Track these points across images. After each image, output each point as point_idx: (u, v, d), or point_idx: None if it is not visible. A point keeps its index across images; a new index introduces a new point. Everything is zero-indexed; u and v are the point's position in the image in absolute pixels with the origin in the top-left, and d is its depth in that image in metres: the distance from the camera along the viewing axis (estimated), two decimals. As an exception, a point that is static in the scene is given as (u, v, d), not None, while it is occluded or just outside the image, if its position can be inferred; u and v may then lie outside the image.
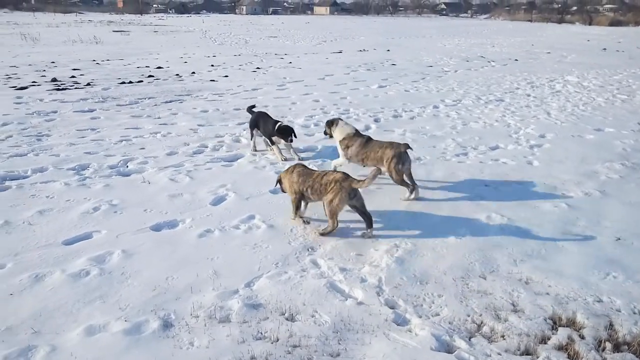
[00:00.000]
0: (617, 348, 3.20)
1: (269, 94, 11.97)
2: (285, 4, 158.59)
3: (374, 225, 4.69)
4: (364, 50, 24.04)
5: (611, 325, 3.42)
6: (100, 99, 10.81)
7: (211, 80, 13.86)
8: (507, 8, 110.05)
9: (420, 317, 3.51)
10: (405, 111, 10.18)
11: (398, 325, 3.42)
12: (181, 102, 10.72)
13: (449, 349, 3.21)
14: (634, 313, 3.55)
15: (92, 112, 9.63)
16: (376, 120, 9.33)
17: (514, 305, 3.67)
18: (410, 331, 3.37)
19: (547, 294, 3.80)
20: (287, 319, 3.44)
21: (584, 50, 25.08)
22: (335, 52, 23.06)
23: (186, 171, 6.31)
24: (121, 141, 7.60)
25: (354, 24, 55.77)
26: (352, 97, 11.66)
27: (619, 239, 4.68)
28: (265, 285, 3.83)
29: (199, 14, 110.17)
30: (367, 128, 8.75)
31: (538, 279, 3.99)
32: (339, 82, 13.91)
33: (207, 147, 7.42)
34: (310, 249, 4.41)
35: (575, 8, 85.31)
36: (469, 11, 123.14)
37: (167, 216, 4.99)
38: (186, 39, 30.17)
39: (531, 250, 4.44)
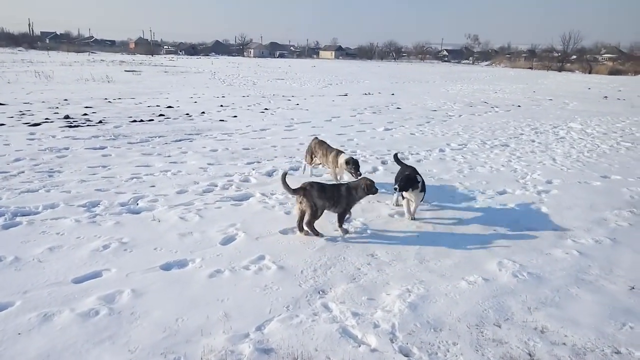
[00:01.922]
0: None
1: (277, 134, 12.13)
2: (291, 47, 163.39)
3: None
4: (369, 93, 24.52)
5: None
6: (112, 137, 10.97)
7: (220, 120, 14.09)
8: (508, 56, 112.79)
9: (435, 366, 3.43)
10: (412, 154, 10.28)
11: (413, 374, 3.34)
12: (191, 141, 10.86)
13: (465, 400, 3.12)
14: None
15: (103, 149, 9.75)
16: (383, 163, 9.40)
17: (530, 355, 3.59)
18: (425, 381, 3.29)
19: (564, 344, 3.72)
20: (299, 365, 3.36)
21: (585, 98, 25.50)
22: (341, 94, 23.51)
23: (196, 210, 6.33)
24: (132, 179, 7.66)
25: (358, 68, 57.13)
26: (358, 139, 11.81)
27: (633, 287, 4.62)
28: (276, 329, 3.77)
29: (208, 55, 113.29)
30: (375, 170, 8.83)
31: (554, 328, 3.91)
32: (345, 124, 14.13)
33: (216, 186, 7.46)
34: (321, 292, 4.36)
35: (574, 57, 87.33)
36: (471, 58, 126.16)
37: (177, 255, 4.97)
38: (196, 80, 30.88)
39: (545, 298, 4.38)
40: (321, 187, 5.58)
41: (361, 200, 5.90)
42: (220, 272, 4.64)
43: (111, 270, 4.61)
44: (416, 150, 10.69)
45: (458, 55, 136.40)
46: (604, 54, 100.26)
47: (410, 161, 9.60)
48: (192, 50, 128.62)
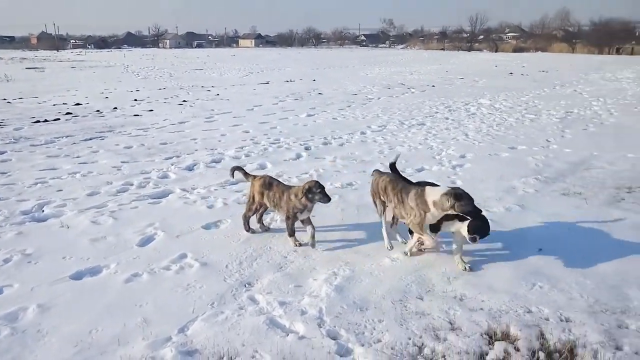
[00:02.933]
0: (549, 356, 3.33)
1: (197, 126, 11.72)
2: (209, 37, 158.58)
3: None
4: (291, 80, 24.41)
5: (542, 334, 3.56)
6: (12, 140, 10.03)
7: (135, 115, 13.37)
8: (422, 38, 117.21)
9: (363, 345, 3.46)
10: (335, 138, 10.37)
11: (341, 356, 3.35)
12: (102, 139, 10.20)
13: (393, 375, 3.19)
14: (561, 320, 3.73)
15: (2, 154, 8.89)
16: (307, 149, 9.40)
17: (451, 323, 3.73)
18: (354, 361, 3.32)
19: (481, 309, 3.91)
20: (225, 363, 3.26)
21: (493, 75, 27.10)
22: (263, 83, 23.22)
23: (109, 212, 5.94)
24: (36, 184, 7.04)
25: (279, 56, 56.70)
26: (281, 126, 11.72)
27: (541, 249, 4.95)
28: (200, 328, 3.63)
29: (119, 48, 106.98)
30: (299, 156, 8.80)
31: (471, 295, 4.10)
32: (268, 112, 13.96)
33: (132, 184, 7.06)
34: (247, 285, 4.26)
35: (482, 37, 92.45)
36: (387, 42, 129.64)
37: (89, 262, 4.63)
38: (107, 74, 29.08)
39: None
40: (268, 183, 5.18)
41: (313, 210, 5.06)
42: (137, 275, 4.39)
43: (13, 285, 4.20)
44: (338, 134, 10.79)
45: (375, 39, 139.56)
46: (507, 33, 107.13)
47: (333, 146, 9.68)
48: (103, 43, 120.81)
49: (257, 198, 5.18)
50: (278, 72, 31.18)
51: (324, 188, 4.80)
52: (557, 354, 3.36)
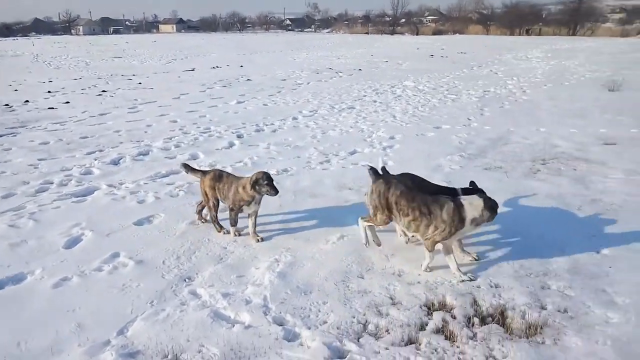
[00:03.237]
0: (483, 321, 3.57)
1: (119, 117, 11.13)
2: (127, 22, 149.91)
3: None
4: (217, 67, 23.78)
5: (475, 301, 3.80)
6: None
7: (50, 108, 12.43)
8: (346, 22, 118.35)
9: (309, 328, 3.51)
10: (267, 125, 10.29)
11: (289, 341, 3.38)
12: (14, 136, 9.40)
13: (340, 354, 3.26)
14: (491, 287, 3.99)
15: None
16: (239, 137, 9.25)
17: (392, 298, 3.88)
18: (301, 345, 3.35)
19: (419, 282, 4.09)
20: (171, 360, 3.18)
21: (415, 58, 28.01)
22: (188, 70, 22.42)
23: (29, 214, 5.52)
24: (-62, 189, 6.38)
25: (203, 41, 54.88)
26: (211, 114, 11.42)
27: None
28: (141, 328, 3.50)
29: (27, 36, 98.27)
30: (232, 145, 8.65)
31: (409, 270, 4.28)
32: (195, 100, 13.54)
33: (52, 183, 6.60)
34: (187, 279, 4.16)
35: (403, 20, 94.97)
36: (313, 26, 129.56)
37: (10, 270, 4.29)
38: (13, 65, 26.70)
39: (399, 244, 4.76)
40: (218, 176, 5.00)
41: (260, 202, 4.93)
42: (67, 279, 4.13)
43: None
44: (270, 120, 10.71)
45: (301, 23, 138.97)
46: (427, 16, 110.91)
47: (266, 132, 9.60)
48: (7, 31, 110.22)
49: (210, 194, 5.01)
50: (203, 58, 30.23)
51: (272, 180, 4.73)
52: (490, 318, 3.60)
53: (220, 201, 5.02)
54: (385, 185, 4.27)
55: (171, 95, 14.46)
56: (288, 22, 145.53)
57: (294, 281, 4.12)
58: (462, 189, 4.57)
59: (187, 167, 5.31)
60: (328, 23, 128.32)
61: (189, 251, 4.66)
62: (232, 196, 4.80)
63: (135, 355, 3.22)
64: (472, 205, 3.96)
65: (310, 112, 11.73)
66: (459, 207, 3.96)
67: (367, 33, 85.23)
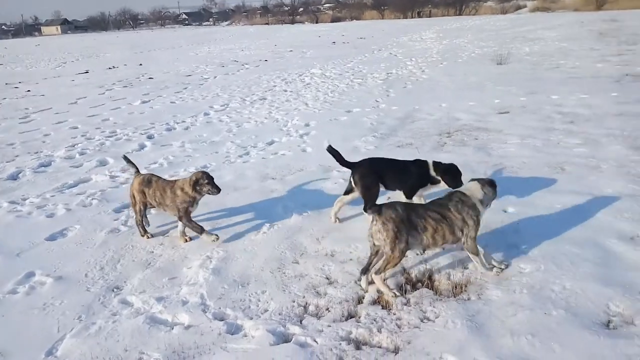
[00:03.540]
0: (414, 287, 3.80)
1: (11, 129, 10.12)
2: (3, 27, 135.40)
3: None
4: (114, 67, 22.39)
5: (405, 270, 4.03)
6: None
7: None
8: (245, 13, 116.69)
9: (252, 318, 3.53)
10: (178, 123, 9.94)
11: (233, 334, 3.37)
12: None
13: (285, 338, 3.32)
14: (417, 254, 4.25)
15: None
16: (150, 137, 8.86)
17: (328, 278, 4.00)
18: (246, 336, 3.36)
19: (351, 260, 4.25)
20: (111, 373, 3.04)
21: (318, 46, 28.39)
22: (81, 72, 20.88)
23: None
24: None
25: (94, 41, 51.28)
26: (115, 117, 10.79)
27: (389, 197, 5.51)
28: (72, 345, 3.29)
29: None
30: (143, 147, 8.26)
31: (340, 249, 4.42)
32: (95, 103, 12.69)
33: (-61, 208, 5.89)
34: (115, 289, 3.96)
35: (302, 9, 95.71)
36: (211, 19, 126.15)
37: None
38: None
39: (328, 226, 4.89)
40: (147, 180, 4.73)
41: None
42: (-23, 307, 3.76)
43: None
44: (181, 118, 10.36)
45: (198, 17, 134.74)
46: (324, 4, 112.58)
47: (178, 131, 9.28)
48: None
49: (138, 197, 4.75)
50: (97, 59, 28.28)
51: (212, 178, 4.59)
52: (420, 283, 3.86)
53: (148, 207, 4.81)
54: (392, 209, 3.71)
55: (67, 100, 13.42)
56: (184, 16, 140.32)
57: (230, 275, 4.09)
58: (434, 162, 4.80)
59: (127, 160, 5.06)
60: (226, 15, 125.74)
61: (112, 260, 4.43)
62: (171, 202, 4.56)
63: (70, 375, 3.04)
64: (471, 189, 3.93)
65: (222, 106, 11.52)
66: (464, 198, 3.86)
67: (267, 23, 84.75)
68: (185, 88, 14.72)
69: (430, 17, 65.12)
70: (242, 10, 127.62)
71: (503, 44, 20.93)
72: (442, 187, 4.78)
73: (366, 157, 5.08)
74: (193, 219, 4.68)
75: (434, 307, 3.51)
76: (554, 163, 6.06)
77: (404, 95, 11.70)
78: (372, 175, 4.73)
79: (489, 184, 4.02)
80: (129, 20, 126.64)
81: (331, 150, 4.99)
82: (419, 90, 12.25)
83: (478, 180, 4.05)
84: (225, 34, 50.89)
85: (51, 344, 3.31)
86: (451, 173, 4.71)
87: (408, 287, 3.78)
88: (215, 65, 20.85)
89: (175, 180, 4.68)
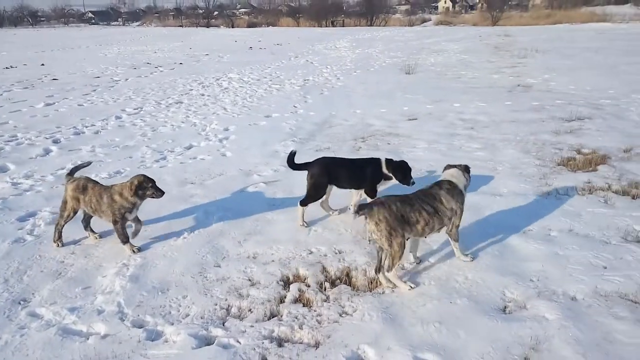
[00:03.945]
0: (333, 284, 3.99)
1: None
2: None
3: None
4: (11, 67, 20.53)
5: (324, 268, 4.21)
6: None
7: None
8: (157, 15, 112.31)
9: (173, 324, 3.50)
10: (87, 126, 9.42)
11: (153, 341, 3.33)
12: None
13: (208, 340, 3.35)
14: (336, 253, 4.46)
15: None
16: (56, 142, 8.30)
17: (250, 280, 4.07)
18: (167, 341, 3.34)
19: (273, 261, 4.36)
20: (21, 389, 2.88)
21: (235, 50, 28.16)
22: (-30, 72, 18.93)
23: None
24: None
25: (-17, 38, 46.63)
26: (15, 120, 9.98)
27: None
28: (-26, 364, 3.07)
29: None
30: (48, 152, 7.74)
31: (262, 251, 4.51)
32: (-12, 106, 11.61)
33: None
34: (22, 302, 3.73)
35: (217, 13, 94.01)
36: (120, 19, 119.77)
37: None
38: None
39: (250, 229, 4.95)
40: (83, 186, 4.48)
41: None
42: None
43: None
44: (90, 122, 9.82)
45: (106, 17, 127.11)
46: (240, 8, 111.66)
47: (87, 135, 8.80)
48: None
49: (70, 204, 4.48)
50: (-12, 57, 25.77)
51: (154, 182, 4.44)
52: (339, 280, 4.05)
53: (76, 213, 4.61)
54: (386, 208, 3.74)
55: (-46, 102, 12.15)
56: (91, 15, 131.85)
57: (149, 282, 4.02)
58: (387, 159, 5.07)
59: (74, 170, 4.84)
60: (137, 16, 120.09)
61: (18, 272, 4.16)
62: (108, 208, 4.35)
63: (-26, 395, 2.84)
64: (454, 177, 4.10)
65: (135, 109, 11.07)
66: (453, 185, 4.03)
67: (181, 26, 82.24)
68: (94, 90, 13.93)
69: (343, 26, 66.95)
70: (154, 11, 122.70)
71: (411, 55, 22.17)
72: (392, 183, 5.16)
73: (321, 157, 5.32)
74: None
75: (352, 302, 3.72)
76: (457, 166, 6.61)
77: (321, 101, 12.02)
78: (323, 175, 4.93)
79: (467, 170, 4.23)
80: (28, 17, 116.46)
81: (290, 157, 5.14)
82: (334, 97, 12.64)
83: (457, 167, 4.22)
84: (136, 35, 48.68)
85: (-52, 364, 3.06)
86: (402, 169, 5.04)
87: (327, 284, 3.96)
88: (127, 67, 19.93)
89: (113, 185, 4.51)
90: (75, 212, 4.59)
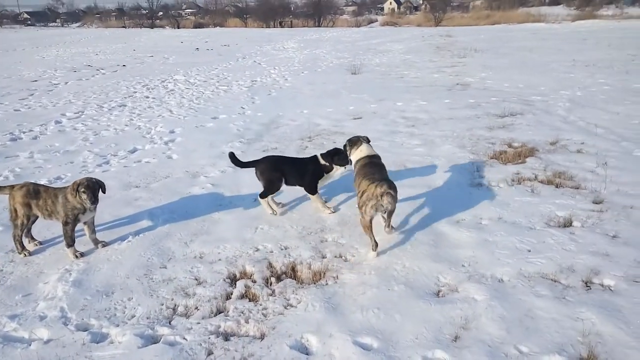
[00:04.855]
0: (279, 279, 4.13)
1: None
2: None
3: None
4: None
5: (270, 264, 4.34)
6: None
7: None
8: (98, 15, 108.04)
9: (118, 325, 3.53)
10: (24, 132, 9.06)
11: (98, 343, 3.35)
12: None
13: (154, 339, 3.40)
14: (282, 249, 4.59)
15: None
16: (-7, 147, 7.98)
17: (197, 279, 4.13)
18: (112, 342, 3.37)
19: (220, 259, 4.44)
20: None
21: (181, 51, 27.65)
22: None
23: None
24: None
25: None
26: (-59, 128, 9.44)
27: (255, 200, 5.78)
28: None
29: None
30: (-20, 160, 7.42)
31: (209, 251, 4.58)
32: None
33: None
34: (-43, 313, 3.63)
35: (162, 13, 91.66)
36: (59, 20, 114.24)
37: None
38: None
39: (196, 230, 5.01)
40: (34, 191, 4.41)
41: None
42: None
43: None
44: (28, 127, 9.45)
45: (43, 17, 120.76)
46: (185, 9, 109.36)
47: (25, 140, 8.47)
48: None
49: (21, 211, 4.36)
50: None
51: (94, 189, 4.37)
52: (284, 275, 4.19)
53: (33, 217, 4.53)
54: (393, 185, 4.50)
55: None
56: (26, 15, 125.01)
57: (92, 286, 4.01)
58: (321, 154, 5.46)
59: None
60: (76, 17, 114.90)
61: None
62: (62, 208, 4.33)
63: None
64: (358, 150, 5.20)
65: (76, 113, 10.74)
66: (372, 158, 5.08)
67: (124, 27, 79.60)
68: (32, 94, 13.36)
69: (291, 27, 67.08)
70: (95, 11, 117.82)
71: (357, 55, 22.61)
72: (338, 175, 5.53)
73: (267, 155, 5.68)
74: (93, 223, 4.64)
75: (296, 294, 3.87)
76: (398, 161, 6.90)
77: (269, 102, 12.10)
78: (273, 170, 5.27)
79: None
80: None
81: (232, 157, 5.47)
82: (282, 97, 12.75)
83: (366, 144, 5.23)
84: (76, 36, 46.74)
85: None
86: (338, 154, 5.41)
87: (273, 279, 4.09)
88: (66, 69, 19.17)
89: (64, 187, 4.49)
90: (29, 219, 4.50)
